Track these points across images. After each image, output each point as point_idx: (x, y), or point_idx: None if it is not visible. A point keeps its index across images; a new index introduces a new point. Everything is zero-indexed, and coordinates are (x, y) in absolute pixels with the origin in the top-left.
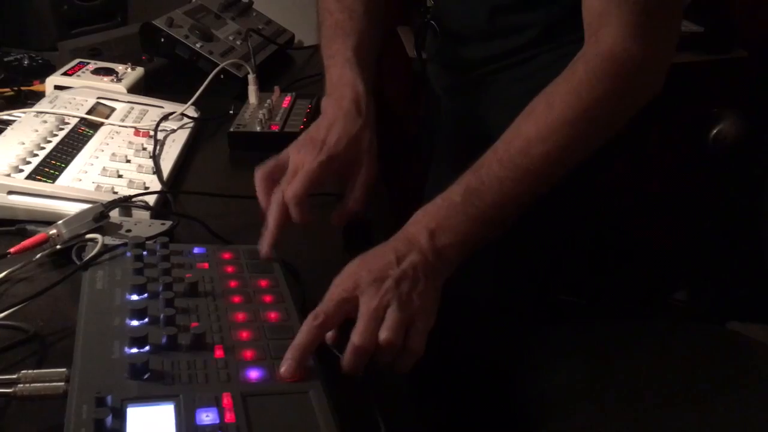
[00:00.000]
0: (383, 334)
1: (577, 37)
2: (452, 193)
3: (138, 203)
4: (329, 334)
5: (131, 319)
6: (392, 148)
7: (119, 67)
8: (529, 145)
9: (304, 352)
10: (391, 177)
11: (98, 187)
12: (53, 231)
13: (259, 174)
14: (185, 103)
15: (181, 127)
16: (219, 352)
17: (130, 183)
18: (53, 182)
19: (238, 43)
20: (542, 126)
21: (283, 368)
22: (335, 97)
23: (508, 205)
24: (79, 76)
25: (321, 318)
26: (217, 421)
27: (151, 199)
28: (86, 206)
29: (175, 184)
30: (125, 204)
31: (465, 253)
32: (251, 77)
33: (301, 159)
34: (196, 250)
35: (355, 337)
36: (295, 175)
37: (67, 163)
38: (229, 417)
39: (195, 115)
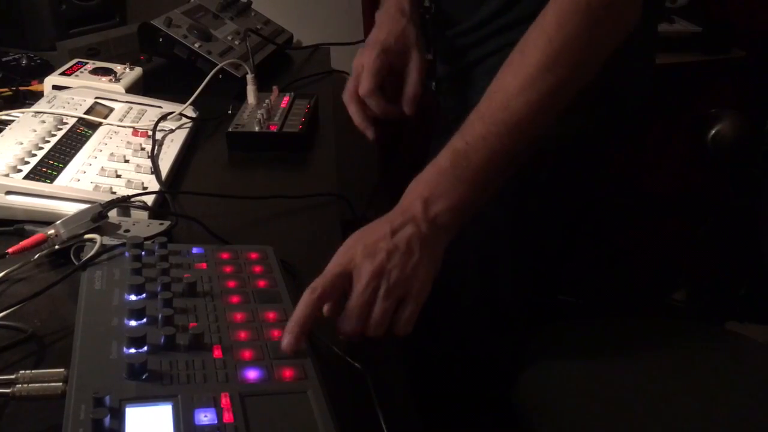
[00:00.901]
0: (369, 330)
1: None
2: (441, 158)
3: (136, 203)
4: (326, 308)
5: (129, 319)
6: (392, 148)
7: (117, 67)
8: (509, 98)
9: (303, 325)
10: (391, 177)
11: (96, 187)
12: (51, 231)
13: (347, 96)
14: (184, 103)
15: (179, 127)
16: (217, 352)
17: (129, 183)
18: (51, 182)
19: (236, 43)
20: (519, 75)
21: (284, 342)
22: (384, 9)
23: (497, 162)
24: (77, 76)
25: (318, 291)
26: (216, 422)
27: (149, 199)
28: (84, 206)
29: (173, 184)
30: (123, 204)
31: (460, 217)
32: (250, 77)
33: (361, 61)
34: (194, 250)
35: (343, 324)
36: (360, 75)
37: (65, 163)
38: (228, 417)
39: (193, 115)
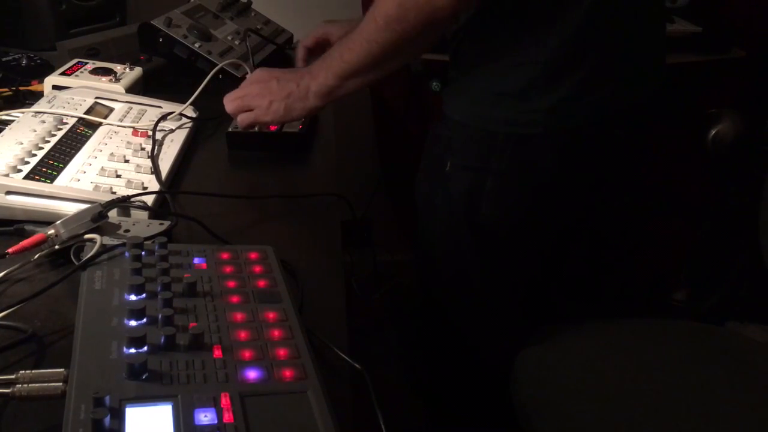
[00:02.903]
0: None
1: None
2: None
3: (136, 203)
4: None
5: (129, 319)
6: (392, 148)
7: (117, 67)
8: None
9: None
10: (391, 177)
11: (96, 187)
12: (51, 231)
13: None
14: (184, 103)
15: (179, 127)
16: (217, 352)
17: (129, 183)
18: (51, 182)
19: (236, 42)
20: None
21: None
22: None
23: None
24: (77, 75)
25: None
26: (216, 422)
27: (149, 199)
28: (84, 206)
29: (173, 184)
30: (124, 204)
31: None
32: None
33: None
34: (194, 250)
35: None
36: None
37: (65, 163)
38: (228, 417)
39: (193, 115)
